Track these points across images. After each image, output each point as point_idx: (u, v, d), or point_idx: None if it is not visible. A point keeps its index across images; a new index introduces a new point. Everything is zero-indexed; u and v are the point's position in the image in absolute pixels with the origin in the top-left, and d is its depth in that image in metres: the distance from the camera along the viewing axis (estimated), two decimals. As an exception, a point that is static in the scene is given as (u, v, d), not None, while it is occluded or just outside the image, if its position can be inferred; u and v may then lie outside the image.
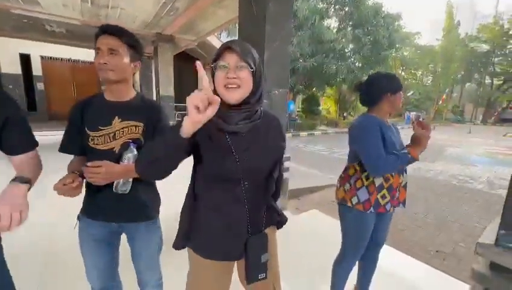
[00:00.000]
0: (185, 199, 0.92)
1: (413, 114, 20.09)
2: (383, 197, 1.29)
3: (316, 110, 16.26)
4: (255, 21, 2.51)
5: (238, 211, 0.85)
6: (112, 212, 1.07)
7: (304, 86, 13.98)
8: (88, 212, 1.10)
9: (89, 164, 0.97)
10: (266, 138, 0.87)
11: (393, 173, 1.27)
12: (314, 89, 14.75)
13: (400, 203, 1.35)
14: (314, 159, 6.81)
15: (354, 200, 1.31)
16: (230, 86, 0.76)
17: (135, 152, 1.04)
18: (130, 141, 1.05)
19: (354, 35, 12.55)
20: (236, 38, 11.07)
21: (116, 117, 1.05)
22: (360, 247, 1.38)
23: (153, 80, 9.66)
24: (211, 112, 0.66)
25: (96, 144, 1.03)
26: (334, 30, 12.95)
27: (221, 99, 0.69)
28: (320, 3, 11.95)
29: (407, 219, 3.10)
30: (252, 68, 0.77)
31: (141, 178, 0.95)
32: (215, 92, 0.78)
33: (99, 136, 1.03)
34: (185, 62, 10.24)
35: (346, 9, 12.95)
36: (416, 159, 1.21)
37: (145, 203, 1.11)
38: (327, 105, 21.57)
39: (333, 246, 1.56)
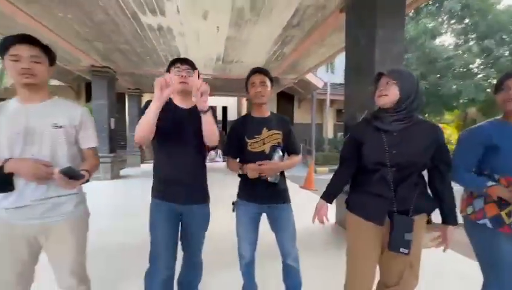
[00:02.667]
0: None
1: None
2: (509, 214, 1.12)
3: (432, 139, 13.58)
4: (363, 49, 2.69)
5: (384, 188, 1.10)
6: (267, 195, 1.44)
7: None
8: (245, 196, 1.49)
9: (257, 163, 1.38)
10: (416, 139, 1.10)
11: None
12: (426, 116, 12.64)
13: None
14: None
15: (469, 209, 1.25)
16: (381, 95, 1.14)
17: (280, 153, 1.41)
18: (276, 144, 1.46)
19: (481, 48, 10.36)
20: (334, 69, 11.13)
21: (265, 128, 1.49)
22: (501, 276, 1.15)
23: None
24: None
25: (253, 148, 1.46)
26: (450, 47, 11.15)
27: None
28: (430, 22, 10.81)
29: None
30: (397, 83, 1.11)
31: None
32: None
33: (255, 142, 1.46)
34: (281, 98, 11.32)
35: (467, 21, 11.06)
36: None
37: (285, 190, 1.49)
38: (446, 134, 17.76)
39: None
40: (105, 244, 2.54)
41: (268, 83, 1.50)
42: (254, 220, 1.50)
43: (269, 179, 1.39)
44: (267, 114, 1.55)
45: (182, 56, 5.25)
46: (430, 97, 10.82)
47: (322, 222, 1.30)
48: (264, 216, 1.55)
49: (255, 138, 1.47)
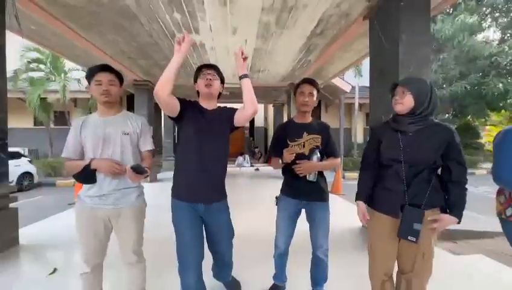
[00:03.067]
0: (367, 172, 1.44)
1: None
2: None
3: (475, 143, 12.50)
4: (387, 53, 2.75)
5: (397, 183, 1.24)
6: (306, 193, 1.62)
7: (452, 115, 11.41)
8: (288, 192, 1.68)
9: (297, 162, 1.57)
10: (429, 140, 1.22)
11: None
12: (469, 117, 11.67)
13: None
14: (475, 202, 5.28)
15: (508, 211, 1.28)
16: (397, 103, 1.29)
17: (318, 155, 1.60)
18: (315, 147, 1.64)
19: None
20: (362, 72, 10.89)
21: (305, 132, 1.67)
22: None
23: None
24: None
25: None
26: (495, 43, 10.26)
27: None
28: (469, 17, 10.10)
29: None
30: (411, 93, 1.25)
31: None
32: None
33: (297, 144, 1.65)
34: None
35: (514, 14, 10.13)
36: None
37: (323, 189, 1.66)
38: (493, 136, 16.03)
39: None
40: (152, 236, 2.89)
41: (315, 93, 1.68)
42: (293, 214, 1.68)
43: (308, 177, 1.58)
44: (309, 120, 1.72)
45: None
46: (471, 98, 10.03)
47: (366, 221, 1.35)
48: (303, 212, 1.72)
49: (296, 140, 1.65)
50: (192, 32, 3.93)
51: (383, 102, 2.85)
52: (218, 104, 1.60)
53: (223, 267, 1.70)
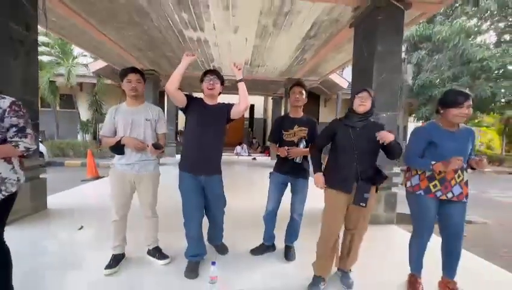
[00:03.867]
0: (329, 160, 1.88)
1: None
2: (434, 186, 1.70)
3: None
4: (366, 59, 3.20)
5: (351, 165, 1.70)
6: (292, 171, 2.12)
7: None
8: (279, 170, 2.18)
9: (287, 148, 2.06)
10: (371, 132, 1.68)
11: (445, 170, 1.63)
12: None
13: (452, 194, 1.68)
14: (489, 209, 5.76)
15: (409, 183, 1.80)
16: (361, 105, 1.71)
17: (304, 143, 2.07)
18: (302, 137, 2.11)
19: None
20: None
21: (296, 125, 2.15)
22: (423, 226, 1.75)
23: (282, 114, 11.65)
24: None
25: (286, 138, 2.14)
26: (491, 46, 10.57)
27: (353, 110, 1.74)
28: (467, 21, 10.36)
29: None
30: (371, 99, 1.73)
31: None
32: None
33: (289, 134, 2.14)
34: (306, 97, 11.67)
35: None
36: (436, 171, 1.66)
37: (306, 169, 2.15)
38: (486, 138, 16.52)
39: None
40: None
41: (304, 92, 2.15)
42: (281, 185, 2.18)
43: (295, 160, 2.07)
44: (300, 115, 2.18)
45: (216, 62, 6.18)
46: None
47: (322, 187, 1.80)
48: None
49: (289, 131, 2.14)
50: (197, 29, 4.33)
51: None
52: (219, 101, 2.08)
53: (215, 229, 2.19)
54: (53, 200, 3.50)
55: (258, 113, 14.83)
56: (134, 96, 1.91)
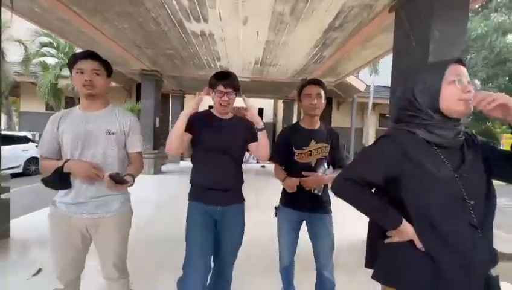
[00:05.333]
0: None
1: None
2: None
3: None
4: (414, 51, 2.45)
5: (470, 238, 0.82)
6: (307, 205, 1.50)
7: (472, 120, 10.78)
8: (288, 203, 1.56)
9: (303, 173, 1.45)
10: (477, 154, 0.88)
11: None
12: (489, 123, 10.99)
13: None
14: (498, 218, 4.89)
15: None
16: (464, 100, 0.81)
17: (326, 166, 1.45)
18: (322, 157, 1.49)
19: None
20: (376, 73, 10.36)
21: (313, 140, 1.52)
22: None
23: (294, 118, 10.96)
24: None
25: (300, 159, 1.49)
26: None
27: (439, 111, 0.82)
28: (502, 16, 9.31)
29: None
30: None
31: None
32: None
33: (303, 154, 1.49)
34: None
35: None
36: None
37: (327, 201, 1.55)
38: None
39: None
40: (147, 235, 2.76)
41: (323, 94, 1.52)
42: (295, 225, 1.57)
43: (313, 191, 1.44)
44: (317, 125, 1.57)
45: (222, 61, 5.39)
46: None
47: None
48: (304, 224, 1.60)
49: (303, 149, 1.51)
50: (200, 20, 3.69)
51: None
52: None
53: (220, 282, 1.52)
54: (19, 224, 2.87)
55: (267, 118, 14.10)
56: (90, 97, 1.24)
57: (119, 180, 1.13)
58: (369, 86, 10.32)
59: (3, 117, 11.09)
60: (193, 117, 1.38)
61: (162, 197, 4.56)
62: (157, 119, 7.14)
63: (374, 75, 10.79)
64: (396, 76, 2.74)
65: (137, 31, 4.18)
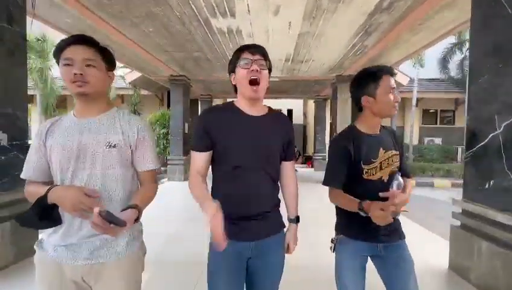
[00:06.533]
0: None
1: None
2: None
3: None
4: (508, 22, 1.82)
5: None
6: (382, 234, 1.13)
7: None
8: (352, 232, 1.16)
9: (381, 195, 1.07)
10: None
11: None
12: None
13: None
14: None
15: None
16: None
17: (401, 181, 1.08)
18: (396, 169, 1.14)
19: None
20: (421, 65, 9.26)
21: (381, 148, 1.14)
22: None
23: (326, 119, 10.25)
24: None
25: (368, 176, 1.12)
26: None
27: None
28: None
29: None
30: None
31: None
32: None
33: (371, 169, 1.11)
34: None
35: None
36: None
37: (399, 221, 1.20)
38: None
39: None
40: (173, 250, 2.48)
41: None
42: (364, 264, 1.18)
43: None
44: (378, 128, 1.20)
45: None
46: None
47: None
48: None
49: (372, 162, 1.13)
50: (227, 15, 3.38)
51: (496, 94, 1.93)
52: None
53: None
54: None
55: (297, 119, 13.51)
56: (83, 97, 0.92)
57: (112, 221, 0.76)
58: (413, 79, 9.23)
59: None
60: (211, 120, 1.03)
61: (192, 204, 4.29)
62: (186, 125, 7.04)
63: (417, 67, 9.66)
64: (480, 56, 2.11)
65: (163, 34, 4.02)
